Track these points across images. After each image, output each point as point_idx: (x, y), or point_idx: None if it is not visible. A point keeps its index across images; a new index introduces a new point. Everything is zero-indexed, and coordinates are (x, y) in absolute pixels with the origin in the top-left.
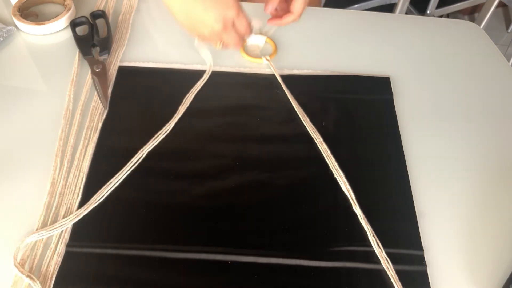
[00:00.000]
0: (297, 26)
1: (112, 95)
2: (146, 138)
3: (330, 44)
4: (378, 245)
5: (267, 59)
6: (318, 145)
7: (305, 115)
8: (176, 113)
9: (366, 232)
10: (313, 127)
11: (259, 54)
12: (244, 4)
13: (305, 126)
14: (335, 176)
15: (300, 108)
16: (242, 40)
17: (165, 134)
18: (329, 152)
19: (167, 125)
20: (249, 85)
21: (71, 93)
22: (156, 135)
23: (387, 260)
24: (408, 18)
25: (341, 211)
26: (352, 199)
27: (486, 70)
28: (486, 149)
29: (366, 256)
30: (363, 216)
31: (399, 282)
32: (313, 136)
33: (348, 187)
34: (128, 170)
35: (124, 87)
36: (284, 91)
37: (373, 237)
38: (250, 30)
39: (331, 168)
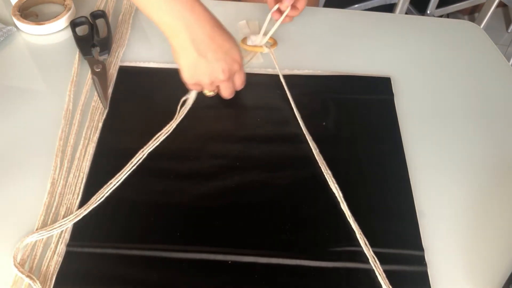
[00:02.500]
0: (298, 26)
1: (112, 95)
2: (146, 138)
3: (330, 44)
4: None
5: (267, 46)
6: (311, 146)
7: (300, 117)
8: (177, 114)
9: (366, 233)
10: (305, 129)
11: (260, 55)
12: (244, 4)
13: (306, 126)
14: (326, 177)
15: (296, 108)
16: (234, 91)
17: (166, 135)
18: (317, 151)
19: (167, 126)
20: (249, 85)
21: (71, 93)
22: (157, 135)
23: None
24: (408, 18)
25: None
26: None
27: (486, 70)
28: (486, 149)
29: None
30: (351, 216)
31: (386, 280)
32: (307, 138)
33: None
34: (128, 170)
35: (124, 87)
36: (284, 89)
37: (361, 236)
38: (244, 83)
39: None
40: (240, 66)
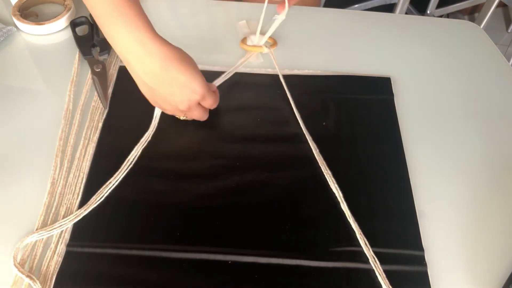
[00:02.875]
0: (298, 26)
1: (112, 95)
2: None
3: (330, 44)
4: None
5: (266, 46)
6: (311, 146)
7: (300, 116)
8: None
9: (366, 233)
10: (305, 129)
11: (259, 54)
12: (244, 4)
13: (306, 126)
14: (326, 177)
15: (296, 108)
16: (207, 113)
17: (166, 135)
18: (317, 151)
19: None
20: (249, 85)
21: (71, 93)
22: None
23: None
24: (408, 18)
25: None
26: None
27: (486, 70)
28: (486, 149)
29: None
30: (351, 216)
31: (386, 280)
32: (307, 138)
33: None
34: (128, 170)
35: (124, 87)
36: (284, 89)
37: (361, 236)
38: (216, 103)
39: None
40: (202, 95)
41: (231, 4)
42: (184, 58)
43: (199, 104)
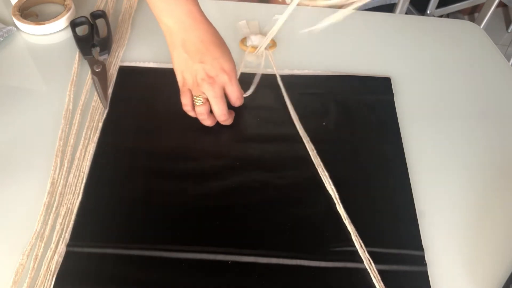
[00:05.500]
0: (298, 26)
1: (112, 95)
2: (146, 138)
3: (330, 44)
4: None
5: (266, 49)
6: (307, 147)
7: (298, 117)
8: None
9: (366, 233)
10: (301, 129)
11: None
12: (244, 4)
13: (307, 125)
14: (322, 178)
15: (292, 109)
16: (229, 115)
17: (165, 134)
18: (314, 152)
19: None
20: (249, 85)
21: (71, 93)
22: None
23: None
24: (408, 18)
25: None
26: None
27: (486, 70)
28: (486, 149)
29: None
30: (347, 217)
31: (381, 283)
32: (303, 140)
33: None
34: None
35: (124, 87)
36: (280, 90)
37: (356, 237)
38: (240, 101)
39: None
40: (230, 78)
41: (231, 4)
42: (221, 38)
43: (223, 97)
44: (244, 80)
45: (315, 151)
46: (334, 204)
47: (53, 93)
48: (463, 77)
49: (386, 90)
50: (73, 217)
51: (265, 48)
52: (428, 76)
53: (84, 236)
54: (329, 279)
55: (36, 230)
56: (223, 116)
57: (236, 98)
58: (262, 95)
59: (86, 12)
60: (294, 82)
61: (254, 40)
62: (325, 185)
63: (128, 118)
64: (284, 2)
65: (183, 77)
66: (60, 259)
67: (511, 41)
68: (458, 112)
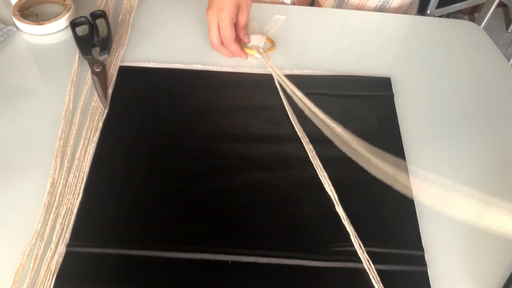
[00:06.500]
0: (298, 26)
1: (112, 95)
2: (146, 138)
3: (330, 44)
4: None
5: (259, 52)
6: (305, 147)
7: (296, 118)
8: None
9: (366, 233)
10: (301, 129)
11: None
12: None
13: (306, 126)
14: (321, 178)
15: (290, 109)
16: (236, 43)
17: (166, 135)
18: (313, 153)
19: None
20: (249, 85)
21: (71, 93)
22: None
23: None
24: (408, 18)
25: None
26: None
27: (486, 70)
28: (486, 149)
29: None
30: (346, 218)
31: (380, 284)
32: (303, 140)
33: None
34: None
35: (124, 87)
36: (281, 91)
37: (355, 238)
38: (245, 27)
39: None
40: (246, 7)
41: None
42: None
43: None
44: (245, 80)
45: (314, 152)
46: (334, 204)
47: (53, 93)
48: (463, 77)
49: (386, 90)
50: (73, 217)
51: (264, 50)
52: (428, 76)
53: (84, 236)
54: (329, 279)
55: (36, 230)
56: (230, 41)
57: (244, 21)
58: (263, 95)
59: (86, 12)
60: (294, 82)
61: (254, 40)
62: (324, 185)
63: (128, 118)
64: (283, 2)
65: (211, 11)
66: (60, 259)
67: (511, 41)
68: (458, 112)
